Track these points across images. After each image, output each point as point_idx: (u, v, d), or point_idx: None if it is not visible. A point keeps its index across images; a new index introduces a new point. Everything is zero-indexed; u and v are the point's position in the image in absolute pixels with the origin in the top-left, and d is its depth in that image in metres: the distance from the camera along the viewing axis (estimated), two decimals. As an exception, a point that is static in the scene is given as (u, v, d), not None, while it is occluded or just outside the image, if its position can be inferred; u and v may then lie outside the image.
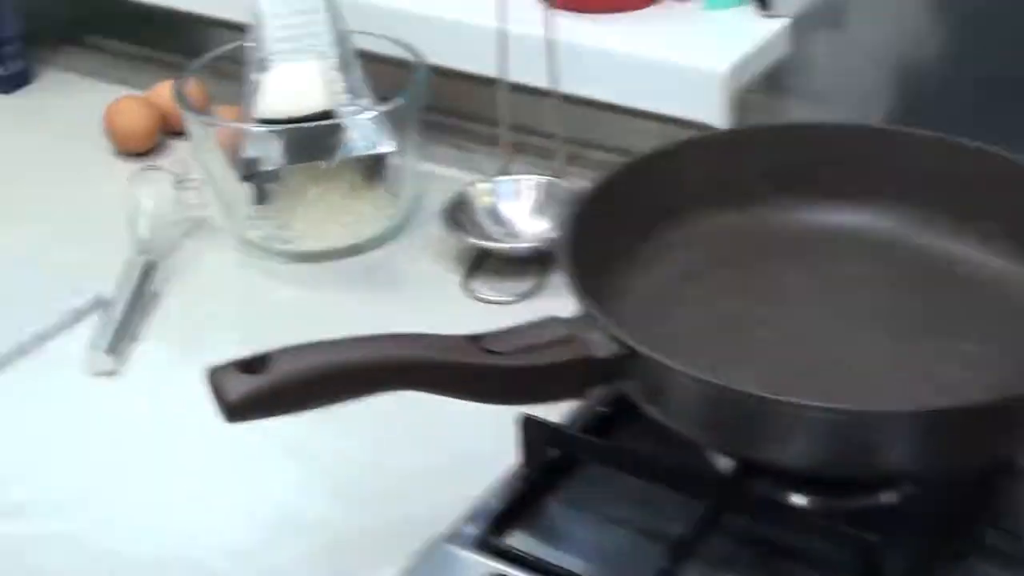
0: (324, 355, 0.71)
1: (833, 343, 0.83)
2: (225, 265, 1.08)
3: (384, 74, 1.09)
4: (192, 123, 1.07)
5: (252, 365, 0.70)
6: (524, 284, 1.03)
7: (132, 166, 1.21)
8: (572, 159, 1.10)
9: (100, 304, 1.02)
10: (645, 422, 0.77)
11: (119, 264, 1.04)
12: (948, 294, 0.87)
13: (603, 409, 0.85)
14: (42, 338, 0.99)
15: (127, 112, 1.23)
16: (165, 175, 1.11)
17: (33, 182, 1.21)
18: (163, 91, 1.26)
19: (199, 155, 1.10)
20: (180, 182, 1.10)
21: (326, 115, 1.03)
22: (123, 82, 1.35)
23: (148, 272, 1.03)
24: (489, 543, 0.77)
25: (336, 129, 1.03)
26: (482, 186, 1.09)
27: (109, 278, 1.03)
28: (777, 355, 0.82)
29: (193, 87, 1.10)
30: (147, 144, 1.23)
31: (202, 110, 1.09)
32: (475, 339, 0.75)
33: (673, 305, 0.87)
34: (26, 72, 1.37)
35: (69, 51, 1.42)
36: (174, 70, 1.33)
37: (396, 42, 1.10)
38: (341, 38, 1.06)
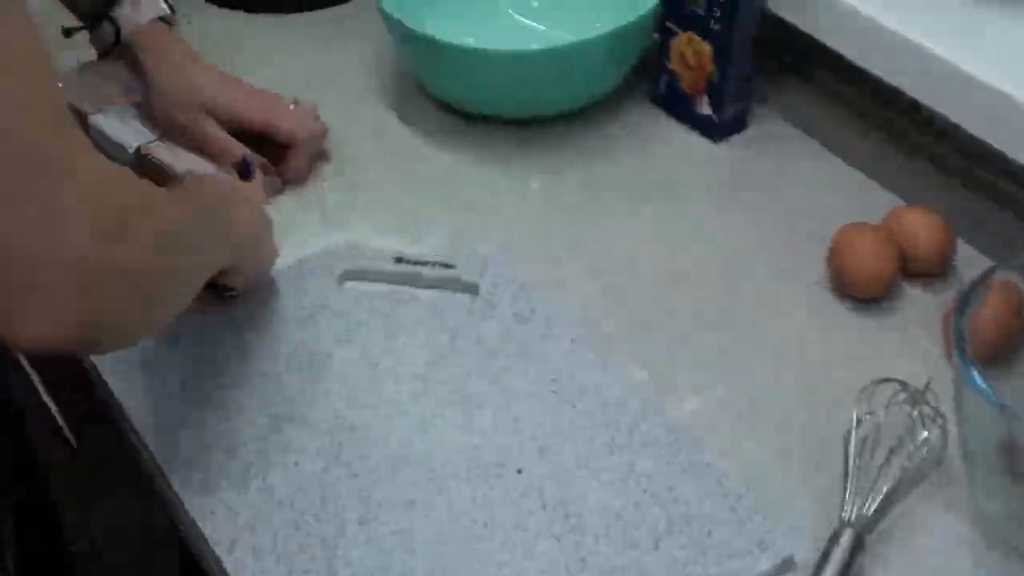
0: None
1: None
2: (949, 548, 0.82)
3: None
4: (962, 369, 0.80)
5: None
6: None
7: (858, 321, 0.96)
8: None
9: (787, 568, 0.80)
10: None
11: (821, 481, 0.83)
12: None
13: None
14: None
15: (860, 250, 0.96)
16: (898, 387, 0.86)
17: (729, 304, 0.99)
18: (903, 219, 0.99)
19: (956, 389, 0.83)
20: (920, 411, 0.84)
21: None
22: (837, 149, 1.11)
23: (856, 547, 0.79)
24: None
25: None
26: None
27: (799, 518, 0.83)
28: None
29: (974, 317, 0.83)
30: (878, 291, 0.97)
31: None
32: None
33: None
34: (744, 116, 1.13)
35: (790, 86, 1.16)
36: (898, 147, 1.07)
37: None
38: None
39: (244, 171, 1.03)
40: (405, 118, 1.15)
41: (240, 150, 1.04)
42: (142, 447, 0.87)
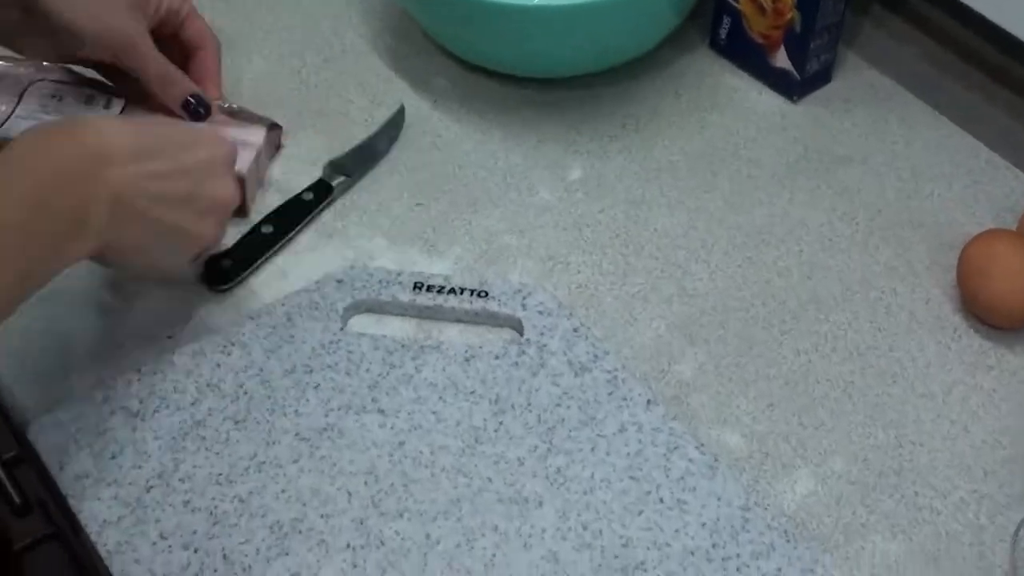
0: None
1: None
2: None
3: None
4: None
5: None
6: None
7: (1000, 356, 0.77)
8: None
9: None
10: None
11: None
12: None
13: None
14: None
15: (1001, 269, 0.76)
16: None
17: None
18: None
19: None
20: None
21: None
22: (944, 107, 0.90)
23: None
24: None
25: None
26: None
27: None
28: None
29: None
30: (1024, 321, 0.78)
31: None
32: None
33: None
34: (829, 68, 0.92)
35: (881, 22, 0.95)
36: None
37: None
38: None
39: (195, 112, 0.81)
40: (412, 78, 0.93)
41: (185, 85, 0.81)
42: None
